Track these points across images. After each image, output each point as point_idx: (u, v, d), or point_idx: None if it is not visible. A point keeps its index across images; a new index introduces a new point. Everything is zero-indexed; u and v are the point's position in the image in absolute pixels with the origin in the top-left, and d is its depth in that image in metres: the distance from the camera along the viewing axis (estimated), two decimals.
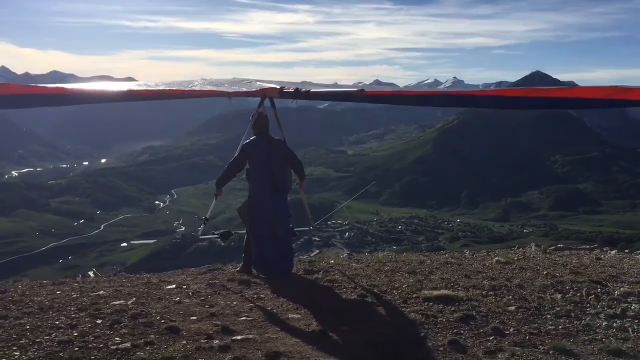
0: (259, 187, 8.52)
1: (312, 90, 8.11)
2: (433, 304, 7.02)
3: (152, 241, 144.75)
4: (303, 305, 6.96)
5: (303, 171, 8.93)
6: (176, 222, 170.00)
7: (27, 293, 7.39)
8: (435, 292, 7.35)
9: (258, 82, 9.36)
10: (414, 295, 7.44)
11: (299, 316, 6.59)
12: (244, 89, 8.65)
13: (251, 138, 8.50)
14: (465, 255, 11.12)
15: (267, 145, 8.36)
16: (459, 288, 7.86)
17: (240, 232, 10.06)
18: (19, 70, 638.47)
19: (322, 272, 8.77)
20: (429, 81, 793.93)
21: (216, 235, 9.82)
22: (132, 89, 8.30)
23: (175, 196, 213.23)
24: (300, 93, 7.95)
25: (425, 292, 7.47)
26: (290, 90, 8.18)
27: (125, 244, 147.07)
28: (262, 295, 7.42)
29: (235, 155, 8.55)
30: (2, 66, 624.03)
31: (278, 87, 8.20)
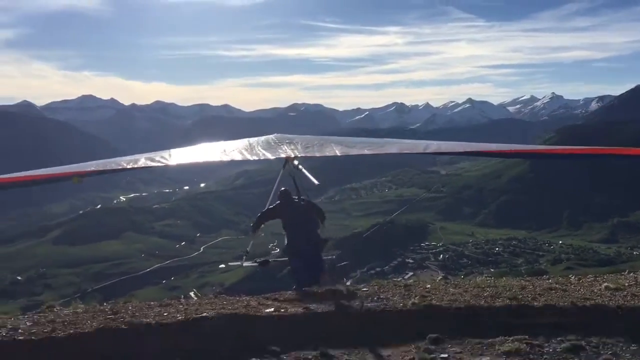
0: (293, 239, 10.53)
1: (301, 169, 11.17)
2: (538, 332, 6.71)
3: (247, 264, 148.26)
4: (401, 331, 6.88)
5: (324, 216, 11.17)
6: (271, 245, 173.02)
7: (136, 314, 7.82)
8: (540, 321, 7.02)
9: (283, 146, 11.12)
10: (517, 323, 7.13)
11: (398, 342, 6.52)
12: (269, 155, 10.67)
13: (276, 203, 10.64)
14: (570, 281, 10.51)
15: (292, 208, 10.55)
16: (566, 316, 7.47)
17: (278, 259, 12.93)
18: (126, 101, 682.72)
19: (418, 297, 8.62)
20: (524, 98, 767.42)
21: (256, 264, 12.29)
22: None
23: None
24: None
25: (529, 320, 7.15)
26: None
27: (223, 265, 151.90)
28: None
29: (265, 210, 10.79)
30: (111, 98, 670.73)
31: (292, 155, 10.71)
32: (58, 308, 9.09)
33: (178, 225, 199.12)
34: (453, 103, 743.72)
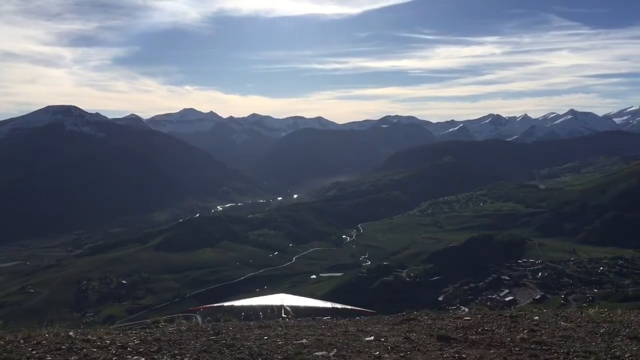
0: None
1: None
2: None
3: (339, 274, 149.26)
4: None
5: None
6: (362, 257, 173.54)
7: (237, 336, 7.89)
8: None
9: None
10: None
11: None
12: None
13: None
14: None
15: None
16: None
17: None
18: (224, 114, 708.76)
19: (527, 331, 8.10)
20: (633, 109, 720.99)
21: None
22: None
23: (362, 231, 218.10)
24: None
25: None
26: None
27: (314, 276, 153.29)
28: (463, 356, 7.05)
29: None
30: (211, 111, 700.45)
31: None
32: (163, 324, 9.38)
33: (271, 235, 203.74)
34: (554, 114, 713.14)
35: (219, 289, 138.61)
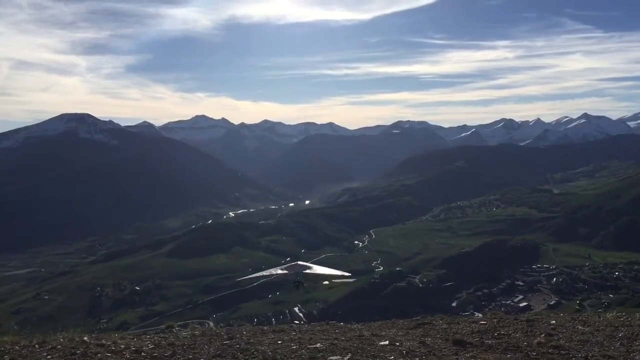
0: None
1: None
2: None
3: (351, 280, 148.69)
4: None
5: None
6: (374, 262, 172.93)
7: (251, 341, 7.85)
8: None
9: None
10: None
11: None
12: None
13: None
14: None
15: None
16: None
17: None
18: (236, 120, 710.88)
19: (544, 335, 7.98)
20: None
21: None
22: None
23: (374, 236, 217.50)
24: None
25: None
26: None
27: (326, 282, 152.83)
28: None
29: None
30: (223, 118, 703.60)
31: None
32: (177, 329, 9.38)
33: (283, 241, 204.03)
34: (567, 118, 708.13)
35: (232, 295, 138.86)
